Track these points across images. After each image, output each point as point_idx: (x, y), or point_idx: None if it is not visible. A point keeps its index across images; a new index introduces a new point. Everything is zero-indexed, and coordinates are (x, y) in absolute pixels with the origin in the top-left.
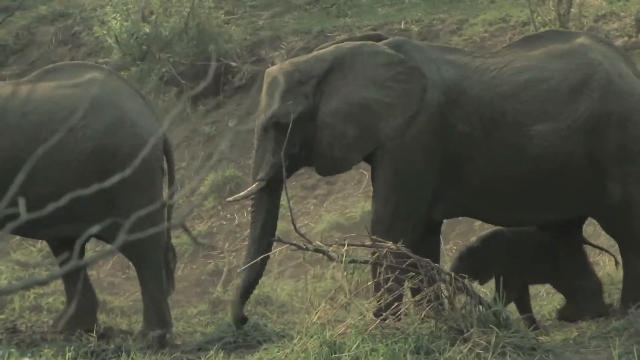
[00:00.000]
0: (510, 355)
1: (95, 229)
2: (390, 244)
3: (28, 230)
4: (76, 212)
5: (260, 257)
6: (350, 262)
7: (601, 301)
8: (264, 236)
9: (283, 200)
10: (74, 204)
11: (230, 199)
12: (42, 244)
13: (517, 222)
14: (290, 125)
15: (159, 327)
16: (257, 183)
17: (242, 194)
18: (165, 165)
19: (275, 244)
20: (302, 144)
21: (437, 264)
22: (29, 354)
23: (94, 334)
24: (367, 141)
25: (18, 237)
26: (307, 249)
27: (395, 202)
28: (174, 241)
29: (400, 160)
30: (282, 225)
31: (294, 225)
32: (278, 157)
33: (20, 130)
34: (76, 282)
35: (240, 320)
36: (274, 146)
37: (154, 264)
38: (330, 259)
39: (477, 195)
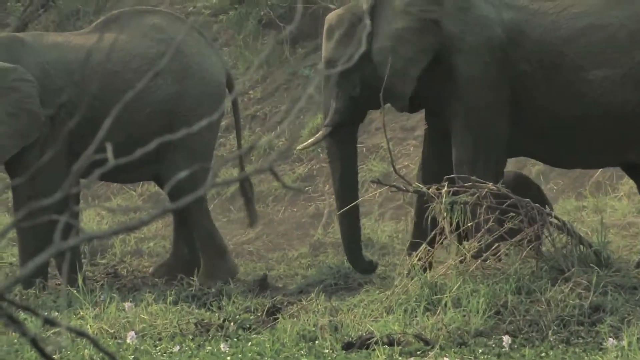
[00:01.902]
0: (611, 295)
1: (184, 173)
2: (490, 184)
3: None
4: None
5: (349, 207)
6: (450, 203)
7: None
8: (346, 187)
9: (383, 142)
10: (137, 147)
11: (300, 146)
12: (142, 189)
13: (572, 165)
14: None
15: (218, 257)
16: (323, 130)
17: (310, 140)
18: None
19: (375, 185)
20: (363, 86)
21: (537, 204)
22: (130, 299)
23: (194, 278)
24: (411, 70)
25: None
26: (407, 191)
27: (473, 142)
28: (274, 185)
29: (470, 98)
30: (383, 167)
31: (394, 167)
32: (341, 102)
33: (99, 80)
34: (182, 227)
35: (370, 269)
36: (337, 91)
37: (202, 201)
38: (431, 200)
39: (535, 136)
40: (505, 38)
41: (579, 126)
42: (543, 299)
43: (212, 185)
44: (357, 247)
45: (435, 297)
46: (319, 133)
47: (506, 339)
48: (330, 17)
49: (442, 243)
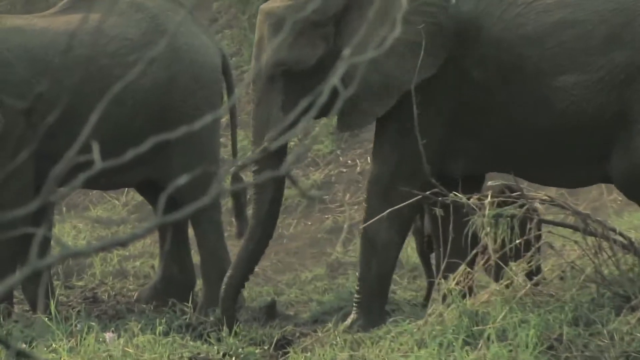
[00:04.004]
0: None
1: (184, 179)
2: (542, 194)
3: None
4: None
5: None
6: (495, 215)
7: None
8: (270, 219)
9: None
10: (129, 146)
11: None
12: (127, 198)
13: (541, 180)
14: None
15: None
16: (264, 145)
17: (244, 160)
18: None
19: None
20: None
21: (602, 219)
22: (112, 328)
23: (189, 304)
24: (392, 90)
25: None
26: (444, 201)
27: (395, 161)
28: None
29: (401, 110)
30: None
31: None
32: (288, 112)
33: (70, 69)
34: (173, 242)
35: (230, 320)
36: (284, 99)
37: (214, 213)
38: (472, 212)
39: (496, 150)
40: (457, 41)
41: (546, 140)
42: (605, 331)
43: (218, 193)
44: (236, 296)
45: (476, 328)
46: (260, 148)
47: None
48: (275, 10)
49: (484, 264)
